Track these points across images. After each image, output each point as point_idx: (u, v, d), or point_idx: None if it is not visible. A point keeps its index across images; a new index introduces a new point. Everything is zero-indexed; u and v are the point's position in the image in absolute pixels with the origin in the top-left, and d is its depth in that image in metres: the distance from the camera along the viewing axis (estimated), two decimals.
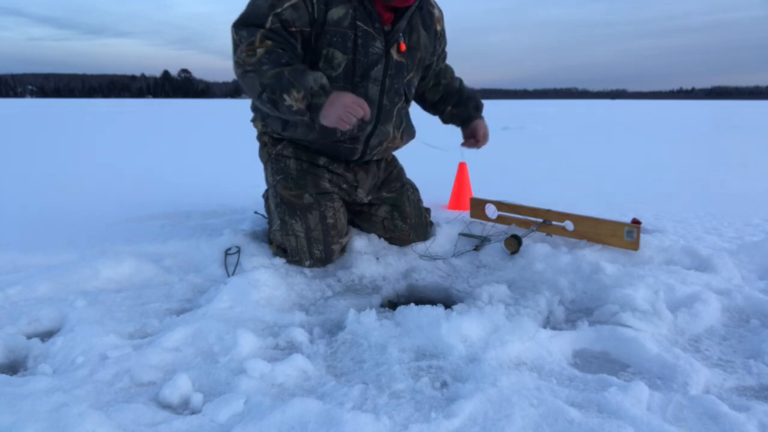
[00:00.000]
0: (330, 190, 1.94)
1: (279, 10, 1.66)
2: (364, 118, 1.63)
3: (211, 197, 3.06)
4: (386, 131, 1.94)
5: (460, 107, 2.19)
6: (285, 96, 1.59)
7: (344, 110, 1.58)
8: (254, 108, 2.01)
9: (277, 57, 1.63)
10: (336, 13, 1.72)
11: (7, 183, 3.84)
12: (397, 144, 2.06)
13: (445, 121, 2.26)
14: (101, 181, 3.87)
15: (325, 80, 1.64)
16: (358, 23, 1.76)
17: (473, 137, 2.14)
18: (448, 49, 2.18)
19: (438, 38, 2.05)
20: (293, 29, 1.70)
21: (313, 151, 1.96)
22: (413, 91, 2.05)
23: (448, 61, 2.25)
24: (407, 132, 2.08)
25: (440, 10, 2.07)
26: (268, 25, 1.66)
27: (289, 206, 1.89)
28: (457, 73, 2.26)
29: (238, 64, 1.67)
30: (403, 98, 1.97)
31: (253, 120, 2.03)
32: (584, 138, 8.47)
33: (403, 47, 1.86)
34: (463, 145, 2.19)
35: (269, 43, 1.64)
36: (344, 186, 2.01)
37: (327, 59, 1.77)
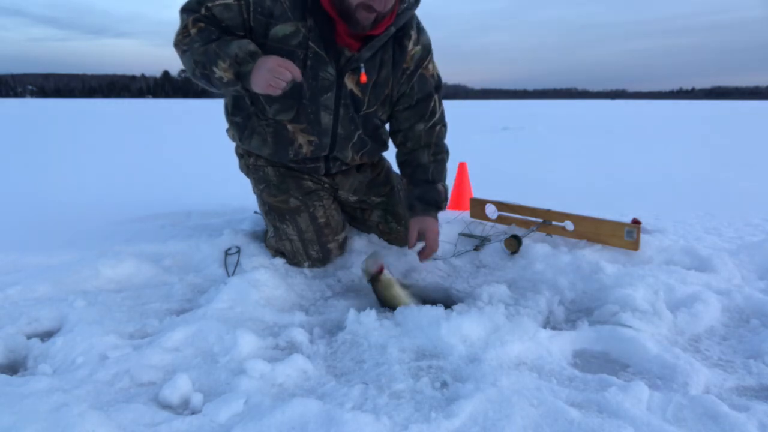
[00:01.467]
0: (315, 188, 1.93)
1: (210, 5, 1.62)
2: (295, 79, 1.52)
3: (211, 197, 3.06)
4: (344, 156, 1.86)
5: (410, 181, 1.90)
6: (214, 69, 1.55)
7: (270, 74, 1.49)
8: (227, 120, 1.94)
9: (207, 34, 1.59)
10: (282, 30, 1.63)
11: (7, 183, 3.84)
12: (358, 162, 1.95)
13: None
14: (101, 181, 3.87)
15: (252, 47, 1.54)
16: (311, 44, 1.65)
17: (423, 243, 1.82)
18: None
19: (406, 77, 1.81)
20: (223, 25, 1.64)
21: (283, 164, 1.91)
22: (376, 123, 1.87)
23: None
24: (371, 153, 1.93)
25: (420, 49, 1.80)
26: (202, 12, 1.62)
27: (277, 212, 1.89)
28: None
29: (176, 46, 1.66)
30: (362, 129, 1.84)
31: (229, 133, 1.98)
32: (584, 138, 8.47)
33: (364, 78, 1.69)
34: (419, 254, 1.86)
35: (201, 24, 1.61)
36: (326, 185, 1.98)
37: None
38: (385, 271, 1.59)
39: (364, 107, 1.79)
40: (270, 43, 1.65)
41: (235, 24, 1.63)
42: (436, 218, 1.85)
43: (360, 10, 1.55)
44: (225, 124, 1.97)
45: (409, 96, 1.86)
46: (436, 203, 1.86)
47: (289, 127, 1.78)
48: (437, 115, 1.91)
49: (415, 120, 1.88)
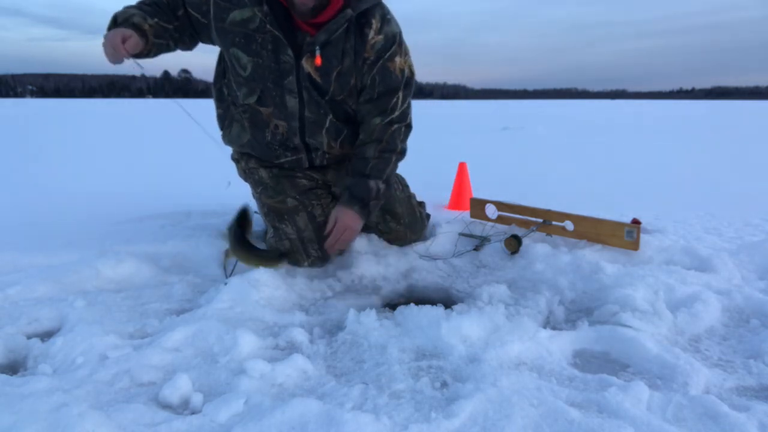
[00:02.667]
0: (310, 186, 1.94)
1: None
2: (119, 62, 1.58)
3: (211, 197, 3.06)
4: (320, 141, 1.83)
5: (349, 178, 1.82)
6: (109, 21, 1.65)
7: (106, 42, 1.56)
8: (218, 124, 1.98)
9: (139, 4, 1.69)
10: (240, 14, 1.68)
11: (7, 183, 3.84)
12: (339, 152, 1.89)
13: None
14: (101, 181, 3.87)
15: (136, 19, 1.61)
16: (269, 27, 1.68)
17: (330, 226, 1.78)
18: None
19: (367, 67, 1.74)
20: (186, 8, 1.73)
21: (269, 158, 1.92)
22: (349, 111, 1.83)
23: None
24: (350, 141, 1.87)
25: (386, 36, 1.73)
26: None
27: (276, 213, 1.90)
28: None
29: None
30: (332, 115, 1.80)
31: (222, 137, 2.00)
32: (584, 138, 8.48)
33: (318, 61, 1.68)
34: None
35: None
36: (320, 183, 2.00)
37: (236, 59, 1.74)
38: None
39: (329, 93, 1.76)
40: (229, 27, 1.70)
41: (194, 5, 1.72)
42: (357, 213, 1.76)
43: None
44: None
45: (370, 88, 1.77)
46: (362, 199, 1.76)
47: (262, 110, 1.80)
48: (397, 113, 1.80)
49: (373, 114, 1.80)
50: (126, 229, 2.39)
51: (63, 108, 23.86)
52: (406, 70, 1.80)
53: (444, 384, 1.16)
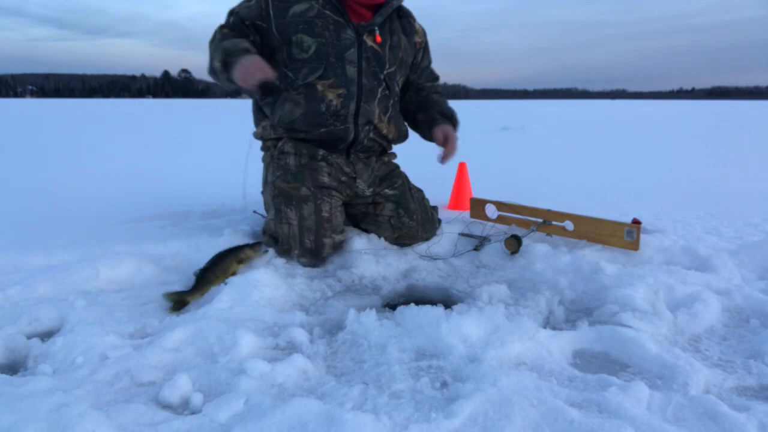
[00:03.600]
0: (329, 185, 1.98)
1: (236, 9, 1.98)
2: (267, 79, 1.73)
3: (211, 197, 3.06)
4: (371, 110, 2.01)
5: (427, 112, 2.18)
6: (214, 61, 1.86)
7: (244, 70, 1.73)
8: (254, 118, 2.18)
9: (222, 37, 1.89)
10: (299, 7, 1.93)
11: (7, 183, 3.84)
12: (386, 131, 2.10)
13: (415, 129, 2.27)
14: (101, 181, 3.87)
15: (245, 44, 1.81)
16: (328, 12, 1.93)
17: (441, 141, 2.08)
18: (438, 43, 2.25)
19: (418, 50, 2.18)
20: (247, 23, 1.96)
21: (313, 144, 2.02)
22: (396, 86, 2.12)
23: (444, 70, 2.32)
24: (396, 122, 2.13)
25: (422, 28, 2.20)
26: (230, 20, 1.98)
27: (285, 196, 1.93)
28: (457, 75, 2.32)
29: (209, 56, 1.94)
30: (385, 86, 2.04)
31: (255, 132, 2.17)
32: (584, 138, 8.48)
33: (379, 38, 1.98)
34: (440, 156, 2.08)
35: (225, 30, 1.94)
36: (343, 179, 2.04)
37: (297, 44, 1.93)
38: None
39: (386, 65, 2.03)
40: (290, 19, 1.93)
41: (253, 16, 1.95)
42: (455, 130, 2.11)
43: None
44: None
45: (422, 63, 2.23)
46: (451, 117, 2.15)
47: (318, 86, 1.95)
48: (439, 80, 2.33)
49: (426, 80, 2.27)
50: (126, 229, 2.40)
51: (63, 108, 23.86)
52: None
53: (444, 384, 1.16)
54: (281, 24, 1.93)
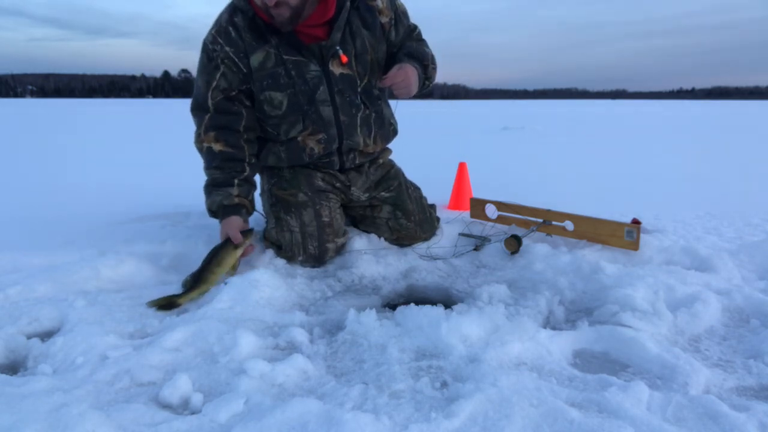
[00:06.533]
0: (324, 188, 1.97)
1: (215, 83, 1.81)
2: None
3: None
4: (355, 142, 1.94)
5: (396, 57, 1.93)
6: (205, 201, 1.87)
7: (230, 234, 1.75)
8: None
9: (210, 159, 1.85)
10: (256, 59, 1.78)
11: (7, 183, 3.84)
12: (373, 149, 2.03)
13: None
14: (101, 181, 3.87)
15: (226, 200, 1.81)
16: (285, 57, 1.78)
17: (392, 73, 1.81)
18: (438, 43, 2.08)
19: (387, 31, 1.91)
20: (233, 93, 1.83)
21: (299, 166, 2.00)
22: (376, 93, 1.96)
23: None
24: (381, 135, 2.03)
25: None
26: (210, 103, 1.82)
27: (284, 204, 1.92)
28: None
29: (197, 148, 1.91)
30: (363, 107, 1.92)
31: None
32: (584, 138, 8.48)
33: (344, 59, 1.80)
34: (381, 83, 1.85)
35: (211, 135, 1.83)
36: (338, 185, 2.03)
37: (268, 102, 1.85)
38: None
39: (359, 82, 1.88)
40: (256, 75, 1.80)
41: (237, 82, 1.82)
42: (415, 68, 1.83)
43: (271, 10, 1.65)
44: None
45: (398, 34, 1.95)
46: (420, 59, 1.89)
47: (298, 138, 1.90)
48: (422, 37, 2.04)
49: (406, 41, 1.99)
50: (126, 229, 2.39)
51: (63, 108, 23.86)
52: (404, 5, 2.00)
53: (444, 384, 1.16)
54: (251, 81, 1.82)
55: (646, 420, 0.99)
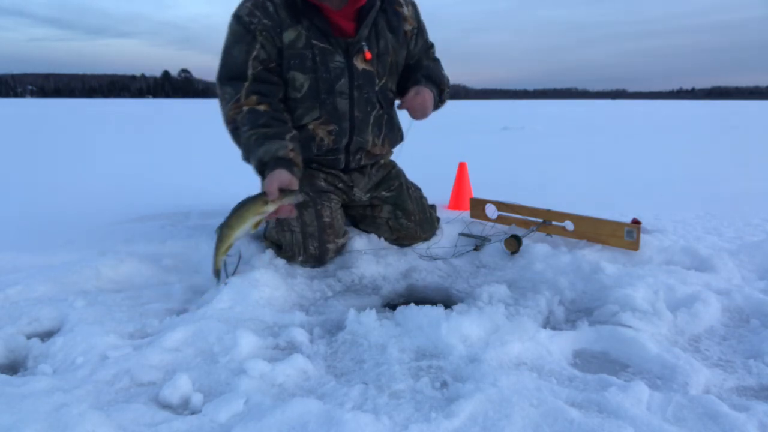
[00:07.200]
0: (326, 189, 1.96)
1: (255, 53, 1.75)
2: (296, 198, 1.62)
3: (211, 197, 3.06)
4: (365, 140, 1.94)
5: (413, 76, 1.96)
6: (250, 161, 1.73)
7: (267, 188, 1.59)
8: None
9: (255, 117, 1.71)
10: (288, 36, 1.76)
11: (7, 183, 3.84)
12: (379, 151, 2.03)
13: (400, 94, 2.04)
14: (101, 181, 3.87)
15: (281, 152, 1.64)
16: (314, 41, 1.78)
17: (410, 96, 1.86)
18: (438, 43, 2.10)
19: (410, 38, 1.97)
20: (271, 65, 1.79)
21: (305, 160, 1.95)
22: (390, 96, 1.99)
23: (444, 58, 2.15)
24: (389, 138, 2.04)
25: (412, 5, 1.98)
26: (250, 72, 1.75)
27: None
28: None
29: (228, 121, 1.77)
30: (378, 106, 1.93)
31: None
32: (584, 138, 8.48)
33: (368, 56, 1.83)
34: (399, 106, 1.92)
35: (253, 98, 1.73)
36: (340, 185, 2.02)
37: (290, 83, 1.82)
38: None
39: (377, 80, 1.90)
40: (285, 51, 1.78)
41: (273, 54, 1.78)
42: (432, 93, 1.90)
43: None
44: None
45: (416, 46, 2.01)
46: (437, 84, 1.95)
47: (309, 125, 1.87)
48: (436, 56, 2.12)
49: (423, 59, 2.06)
50: (126, 229, 2.39)
51: (63, 108, 23.86)
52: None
53: (444, 384, 1.16)
54: (281, 58, 1.80)
55: (646, 420, 0.99)
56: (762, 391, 1.16)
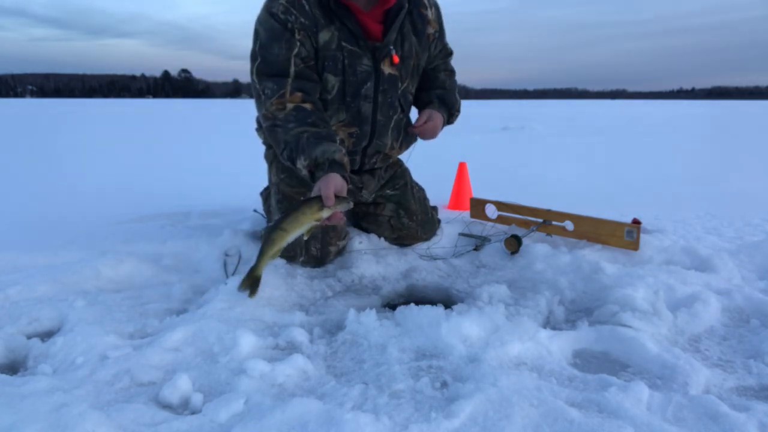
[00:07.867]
0: None
1: (296, 50, 1.69)
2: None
3: (211, 197, 3.06)
4: (383, 144, 1.93)
5: (429, 92, 2.02)
6: (298, 159, 1.62)
7: (325, 193, 1.51)
8: (258, 121, 2.02)
9: (303, 115, 1.66)
10: (323, 36, 1.74)
11: (7, 183, 3.84)
12: (395, 153, 2.05)
13: (414, 104, 2.07)
14: (101, 182, 3.87)
15: (337, 155, 1.59)
16: (344, 44, 1.75)
17: (421, 121, 1.91)
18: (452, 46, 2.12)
19: (432, 42, 1.96)
20: (311, 63, 1.74)
21: None
22: (410, 99, 1.99)
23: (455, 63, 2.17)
24: (406, 142, 2.04)
25: (435, 7, 1.97)
26: (292, 69, 1.70)
27: (290, 201, 1.91)
28: (457, 75, 2.19)
29: (267, 117, 1.70)
30: (399, 110, 1.93)
31: (257, 130, 2.08)
32: (584, 138, 8.47)
33: (396, 60, 1.82)
34: (410, 130, 1.96)
35: (299, 96, 1.68)
36: (349, 186, 2.00)
37: (323, 84, 1.79)
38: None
39: (400, 84, 1.90)
40: (320, 52, 1.75)
41: (312, 52, 1.74)
42: (443, 118, 1.98)
43: None
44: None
45: (437, 51, 2.02)
46: (449, 108, 2.01)
47: (333, 127, 1.82)
48: (452, 66, 2.16)
49: (440, 69, 2.08)
50: (126, 229, 2.40)
51: (63, 107, 23.86)
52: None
53: (444, 384, 1.16)
54: (316, 58, 1.78)
55: (646, 420, 0.99)
56: (762, 391, 1.16)
